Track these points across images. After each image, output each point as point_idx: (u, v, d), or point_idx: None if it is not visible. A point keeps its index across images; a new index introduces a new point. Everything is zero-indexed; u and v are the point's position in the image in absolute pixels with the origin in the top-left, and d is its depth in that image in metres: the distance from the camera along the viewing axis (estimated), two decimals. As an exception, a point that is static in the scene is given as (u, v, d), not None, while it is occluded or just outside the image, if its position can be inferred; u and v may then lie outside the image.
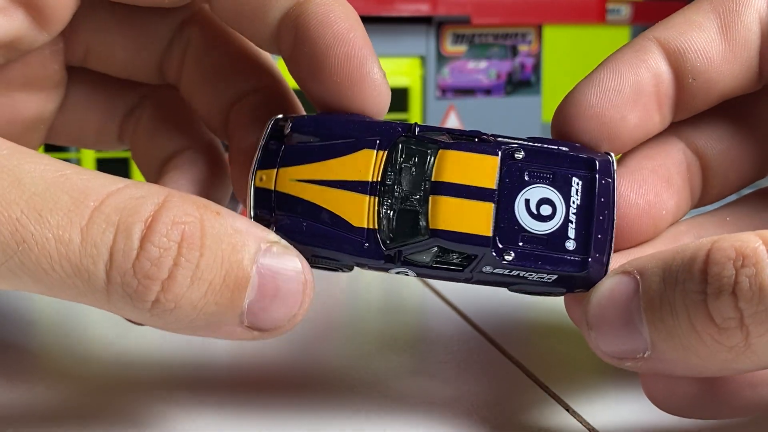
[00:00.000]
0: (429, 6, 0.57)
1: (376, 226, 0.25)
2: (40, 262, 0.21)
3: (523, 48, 0.62)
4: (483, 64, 0.61)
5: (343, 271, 0.26)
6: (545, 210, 0.25)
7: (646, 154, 0.28)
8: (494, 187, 0.24)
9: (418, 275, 0.25)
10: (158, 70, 0.31)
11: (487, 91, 0.61)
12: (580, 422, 0.28)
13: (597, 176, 0.25)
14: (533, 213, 0.24)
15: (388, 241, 0.24)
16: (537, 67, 0.62)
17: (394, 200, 0.25)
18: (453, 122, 0.61)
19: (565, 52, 0.84)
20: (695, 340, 0.22)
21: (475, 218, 0.24)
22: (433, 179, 0.24)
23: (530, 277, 0.24)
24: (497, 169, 0.24)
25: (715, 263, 0.22)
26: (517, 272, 0.24)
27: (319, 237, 0.25)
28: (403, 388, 0.30)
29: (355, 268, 0.26)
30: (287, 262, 0.23)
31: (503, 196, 0.24)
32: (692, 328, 0.22)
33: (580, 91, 0.28)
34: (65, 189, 0.22)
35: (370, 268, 0.25)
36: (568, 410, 0.29)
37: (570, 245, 0.24)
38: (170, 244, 0.22)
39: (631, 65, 0.27)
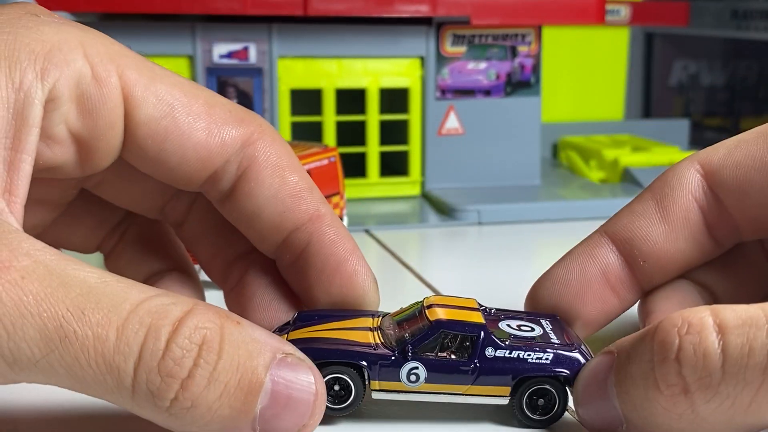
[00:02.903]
0: (429, 7, 0.57)
1: (382, 341, 0.28)
2: (78, 357, 0.22)
3: (522, 49, 0.62)
4: (483, 64, 0.61)
5: (343, 409, 0.28)
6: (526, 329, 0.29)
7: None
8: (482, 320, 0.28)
9: (428, 374, 0.27)
10: (160, 211, 0.33)
11: (487, 92, 0.62)
12: (581, 422, 0.28)
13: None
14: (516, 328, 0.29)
15: (394, 343, 0.28)
16: (536, 68, 0.62)
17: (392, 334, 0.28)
18: (453, 122, 0.61)
19: (564, 52, 0.84)
20: (651, 410, 0.24)
21: (468, 315, 0.28)
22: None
23: (530, 359, 0.28)
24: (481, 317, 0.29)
25: (662, 331, 0.23)
26: (517, 353, 0.27)
27: (333, 350, 0.27)
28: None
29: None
30: (300, 372, 0.24)
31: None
32: (646, 397, 0.24)
33: (539, 283, 0.32)
34: (106, 292, 0.23)
35: (381, 377, 0.27)
36: (568, 410, 0.29)
37: (554, 338, 0.29)
38: (192, 346, 0.23)
39: (578, 261, 0.31)
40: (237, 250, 0.32)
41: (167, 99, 0.28)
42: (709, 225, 0.31)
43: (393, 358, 0.27)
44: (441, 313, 0.28)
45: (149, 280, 0.33)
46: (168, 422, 0.24)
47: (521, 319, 0.30)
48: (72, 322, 0.22)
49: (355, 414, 0.28)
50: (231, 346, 0.23)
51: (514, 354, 0.27)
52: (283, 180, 0.30)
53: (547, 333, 0.29)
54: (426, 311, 0.28)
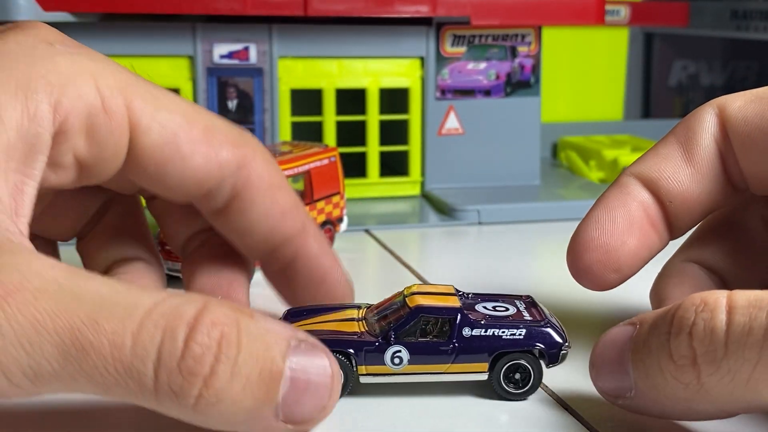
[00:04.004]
0: (429, 7, 0.57)
1: (367, 329, 0.30)
2: (96, 365, 0.23)
3: (522, 49, 0.62)
4: (482, 64, 0.61)
5: None
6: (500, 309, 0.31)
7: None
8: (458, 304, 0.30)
9: (411, 356, 0.29)
10: (135, 186, 0.33)
11: (487, 92, 0.62)
12: (580, 422, 0.29)
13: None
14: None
15: (378, 331, 0.30)
16: (536, 68, 0.62)
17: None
18: (453, 122, 0.61)
19: (564, 52, 0.84)
20: (661, 378, 0.25)
21: (446, 300, 0.30)
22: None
23: (504, 335, 0.29)
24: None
25: (682, 308, 0.25)
26: (493, 331, 0.29)
27: (321, 341, 0.28)
28: (405, 391, 0.31)
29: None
30: (315, 357, 0.25)
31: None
32: (659, 366, 0.25)
33: (582, 230, 0.32)
34: (118, 301, 0.24)
35: (367, 362, 0.29)
36: (567, 410, 0.29)
37: (527, 316, 0.31)
38: (211, 342, 0.24)
39: (618, 199, 0.32)
40: (199, 225, 0.34)
41: (170, 126, 0.30)
42: (725, 168, 0.32)
43: (377, 344, 0.29)
44: (420, 300, 0.30)
45: (115, 264, 0.34)
46: (194, 418, 0.24)
47: (497, 301, 0.32)
48: (87, 334, 0.23)
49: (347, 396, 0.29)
50: (248, 339, 0.24)
51: (490, 332, 0.29)
52: (273, 199, 0.32)
53: (521, 311, 0.31)
54: (406, 300, 0.30)
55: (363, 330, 0.30)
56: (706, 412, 0.25)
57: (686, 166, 0.32)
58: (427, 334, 0.29)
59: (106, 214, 0.35)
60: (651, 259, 0.32)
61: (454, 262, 0.48)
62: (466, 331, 0.29)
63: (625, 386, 0.26)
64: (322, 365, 0.25)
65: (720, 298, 0.24)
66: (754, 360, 0.23)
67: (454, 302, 0.30)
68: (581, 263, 0.32)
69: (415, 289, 0.31)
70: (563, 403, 0.30)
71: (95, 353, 0.23)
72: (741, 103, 0.31)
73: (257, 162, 0.32)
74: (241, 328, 0.24)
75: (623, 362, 0.26)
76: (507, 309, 0.31)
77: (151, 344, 0.23)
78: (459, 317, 0.29)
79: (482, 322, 0.29)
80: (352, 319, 0.31)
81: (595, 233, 0.32)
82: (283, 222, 0.32)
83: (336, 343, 0.29)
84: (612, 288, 0.32)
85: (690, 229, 0.33)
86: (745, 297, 0.24)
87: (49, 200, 0.32)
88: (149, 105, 0.29)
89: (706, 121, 0.32)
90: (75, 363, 0.23)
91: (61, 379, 0.23)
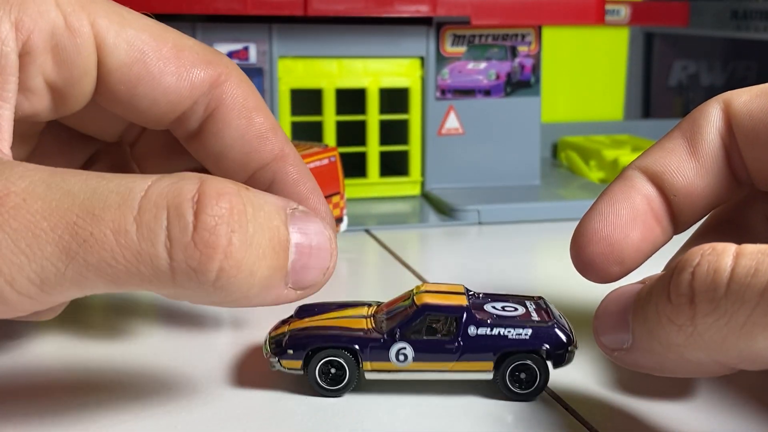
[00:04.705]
0: (429, 7, 0.57)
1: (374, 326, 0.30)
2: (102, 256, 0.22)
3: (522, 49, 0.62)
4: (482, 64, 0.61)
5: (339, 390, 0.30)
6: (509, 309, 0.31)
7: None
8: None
9: (416, 353, 0.29)
10: (120, 135, 0.34)
11: (487, 92, 0.62)
12: (580, 422, 0.29)
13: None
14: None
15: (385, 328, 0.30)
16: (536, 68, 0.62)
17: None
18: (453, 122, 0.61)
19: (564, 52, 0.84)
20: (656, 322, 0.25)
21: (453, 299, 0.30)
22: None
23: (510, 335, 0.29)
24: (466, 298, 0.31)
25: (689, 252, 0.24)
26: (498, 331, 0.29)
27: (327, 336, 0.30)
28: (407, 389, 0.31)
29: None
30: (312, 223, 0.25)
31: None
32: (656, 308, 0.25)
33: (585, 222, 0.32)
34: (111, 188, 0.23)
35: (372, 358, 0.29)
36: (567, 409, 0.29)
37: (534, 317, 0.31)
38: (223, 213, 0.23)
39: (623, 192, 0.32)
40: (182, 165, 0.34)
41: (138, 44, 0.29)
42: (730, 163, 0.32)
43: (382, 340, 0.29)
44: (427, 298, 0.30)
45: None
46: (212, 297, 0.24)
47: (507, 301, 0.32)
48: (86, 226, 0.22)
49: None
50: (253, 209, 0.24)
51: (495, 331, 0.29)
52: (249, 121, 0.31)
53: (529, 312, 0.31)
54: (415, 298, 0.30)
55: (370, 327, 0.30)
56: (698, 362, 0.25)
57: (691, 160, 0.32)
58: (435, 333, 0.29)
59: (95, 165, 0.34)
60: (654, 252, 0.32)
61: (454, 262, 0.48)
62: (472, 330, 0.29)
63: (622, 338, 0.26)
64: (320, 229, 0.25)
65: (729, 245, 0.24)
66: (754, 302, 0.23)
67: (462, 301, 0.30)
68: (584, 255, 0.32)
69: (424, 288, 0.31)
70: (563, 403, 0.30)
71: (99, 245, 0.22)
72: (746, 98, 0.32)
73: (232, 81, 0.31)
74: (245, 199, 0.24)
75: (624, 315, 0.26)
76: (516, 309, 0.31)
77: (157, 224, 0.23)
78: (465, 316, 0.29)
79: (488, 322, 0.29)
80: (361, 317, 0.31)
81: (598, 225, 0.32)
82: (259, 146, 0.31)
83: (341, 339, 0.29)
84: (615, 281, 0.32)
85: (694, 223, 0.33)
86: (754, 246, 0.24)
87: (34, 143, 0.32)
88: (114, 23, 0.28)
89: (712, 115, 0.32)
90: (80, 259, 0.22)
91: (69, 280, 0.23)
